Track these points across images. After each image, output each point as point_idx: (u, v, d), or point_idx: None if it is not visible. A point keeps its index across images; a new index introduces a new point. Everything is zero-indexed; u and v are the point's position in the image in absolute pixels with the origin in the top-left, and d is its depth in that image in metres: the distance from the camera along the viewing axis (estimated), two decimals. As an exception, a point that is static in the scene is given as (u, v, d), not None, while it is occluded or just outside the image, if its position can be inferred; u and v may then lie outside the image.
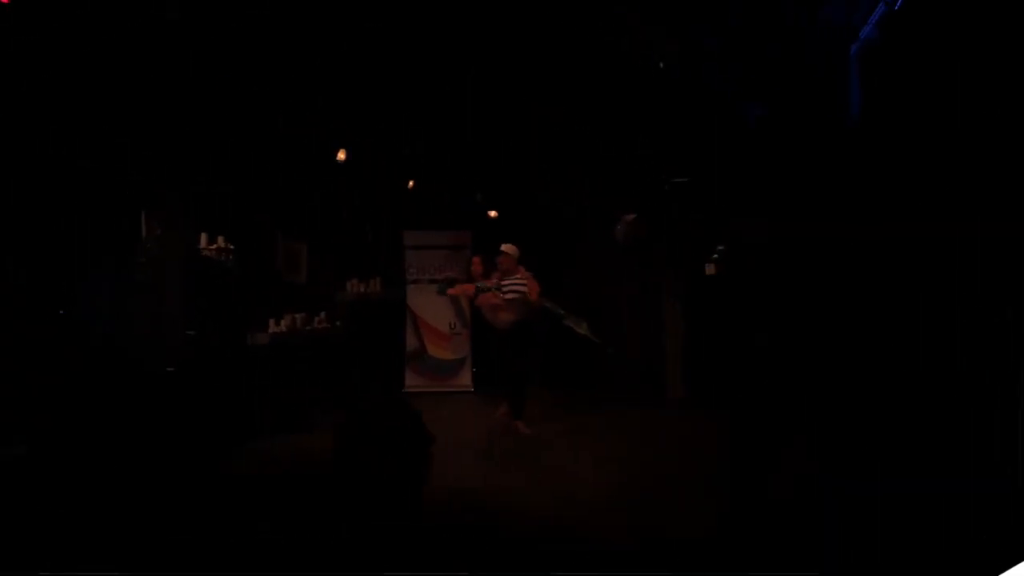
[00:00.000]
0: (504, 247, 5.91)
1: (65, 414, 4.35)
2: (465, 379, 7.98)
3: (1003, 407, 3.05)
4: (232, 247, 5.60)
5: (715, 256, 5.22)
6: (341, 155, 6.73)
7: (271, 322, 6.16)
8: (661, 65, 4.84)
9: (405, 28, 5.34)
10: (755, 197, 5.84)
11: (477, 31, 5.38)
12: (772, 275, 5.21)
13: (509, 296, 5.67)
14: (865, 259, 4.22)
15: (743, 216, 5.90)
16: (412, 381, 7.98)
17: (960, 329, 3.37)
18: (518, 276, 5.80)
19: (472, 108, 6.78)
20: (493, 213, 8.62)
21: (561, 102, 6.37)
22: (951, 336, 3.41)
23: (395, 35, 5.41)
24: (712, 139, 6.04)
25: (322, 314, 6.91)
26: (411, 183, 7.88)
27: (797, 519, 3.26)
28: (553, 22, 5.15)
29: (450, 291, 6.18)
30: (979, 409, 3.21)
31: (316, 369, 6.71)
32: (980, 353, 3.26)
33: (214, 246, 5.47)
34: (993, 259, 3.27)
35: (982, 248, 3.27)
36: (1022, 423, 2.90)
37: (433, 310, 7.95)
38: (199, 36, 4.90)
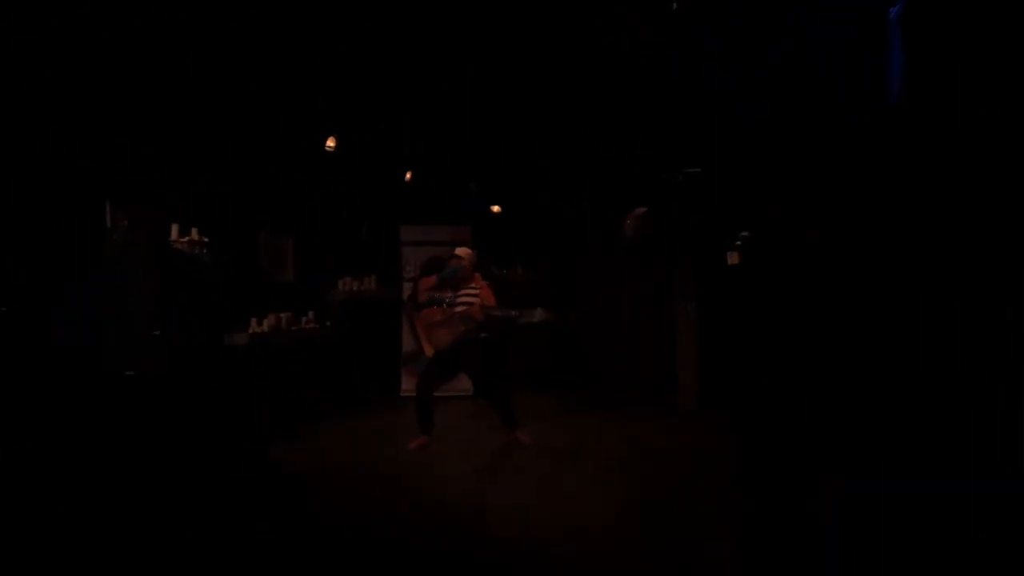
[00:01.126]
0: (458, 251, 5.31)
1: (11, 417, 4.01)
2: (465, 383, 7.54)
3: (1005, 406, 2.83)
4: (207, 240, 5.21)
5: (739, 243, 4.71)
6: (330, 143, 6.33)
7: (253, 322, 5.76)
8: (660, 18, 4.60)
9: (405, 24, 5.20)
10: (759, 197, 5.56)
11: (477, 29, 5.26)
12: (781, 275, 4.84)
13: (459, 309, 5.07)
14: (885, 257, 3.92)
15: (745, 217, 5.60)
16: (408, 385, 7.55)
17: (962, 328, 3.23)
18: (472, 285, 5.17)
19: (471, 103, 6.85)
20: (496, 208, 8.22)
21: (561, 101, 6.21)
22: (952, 335, 3.26)
23: (395, 30, 5.25)
24: (712, 139, 5.84)
25: (310, 314, 6.51)
26: (408, 175, 7.50)
27: (817, 532, 2.98)
28: (552, 22, 5.14)
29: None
30: (981, 408, 2.95)
31: (302, 372, 6.32)
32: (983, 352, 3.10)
33: (186, 239, 5.08)
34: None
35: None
36: None
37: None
38: (175, 16, 4.57)
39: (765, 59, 5.09)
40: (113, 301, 4.66)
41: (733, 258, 4.63)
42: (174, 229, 5.05)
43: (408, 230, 7.60)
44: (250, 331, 5.63)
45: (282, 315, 6.16)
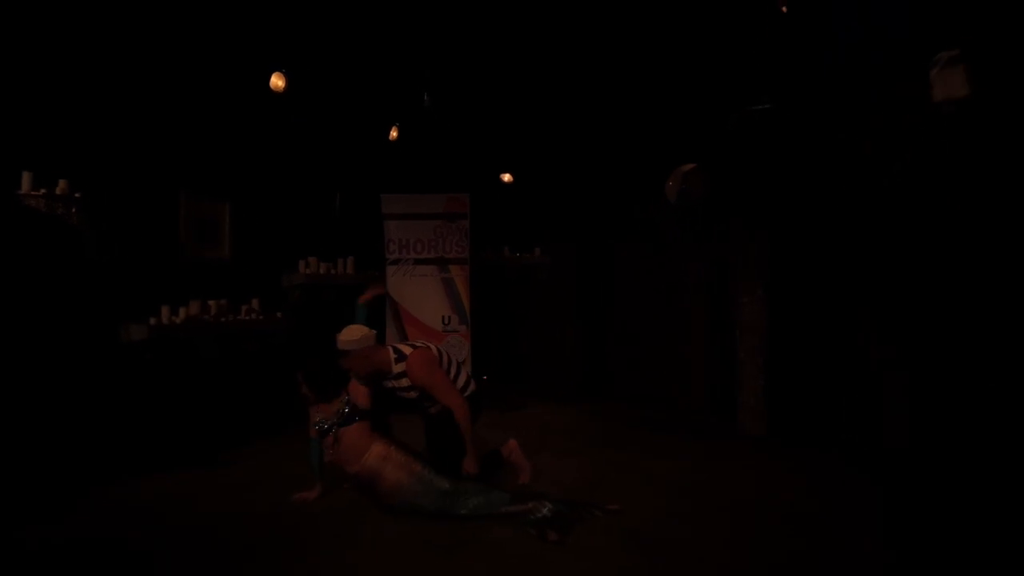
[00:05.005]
0: (341, 339, 3.37)
1: None
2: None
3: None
4: (79, 196, 3.77)
5: (941, 62, 2.72)
6: (278, 81, 4.84)
7: (165, 311, 4.32)
8: None
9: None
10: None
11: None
12: None
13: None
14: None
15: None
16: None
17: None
18: (397, 374, 3.46)
19: (477, 39, 5.61)
20: (507, 177, 6.63)
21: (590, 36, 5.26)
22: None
23: None
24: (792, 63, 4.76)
25: (254, 302, 5.03)
26: (394, 132, 5.98)
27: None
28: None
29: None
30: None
31: (234, 377, 4.85)
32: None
33: (42, 191, 3.63)
34: None
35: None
36: None
37: (421, 300, 6.03)
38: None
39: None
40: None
41: (953, 83, 2.71)
42: (25, 178, 3.61)
43: (392, 200, 6.06)
44: (152, 322, 4.19)
45: (211, 303, 4.71)
